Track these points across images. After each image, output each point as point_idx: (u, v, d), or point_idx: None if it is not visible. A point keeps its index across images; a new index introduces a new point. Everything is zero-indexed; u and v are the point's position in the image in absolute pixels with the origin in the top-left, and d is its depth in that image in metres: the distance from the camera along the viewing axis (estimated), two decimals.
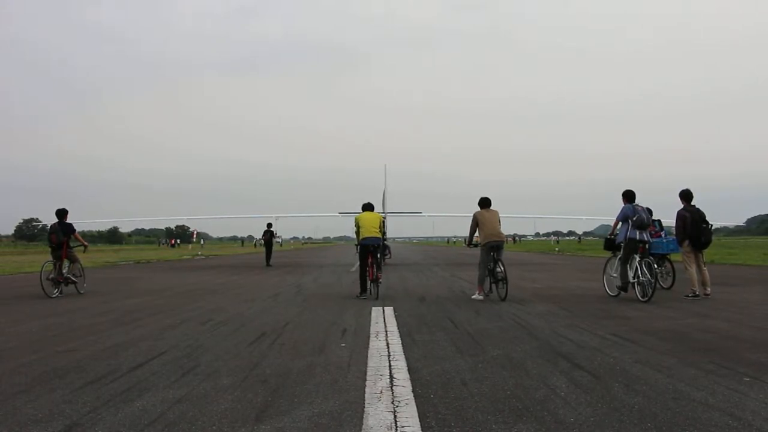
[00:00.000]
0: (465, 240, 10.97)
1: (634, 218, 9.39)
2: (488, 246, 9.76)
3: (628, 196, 9.70)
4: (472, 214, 10.14)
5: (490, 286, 9.81)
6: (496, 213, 10.06)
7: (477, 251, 10.10)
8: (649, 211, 9.95)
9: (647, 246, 9.48)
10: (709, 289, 9.69)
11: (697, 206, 9.95)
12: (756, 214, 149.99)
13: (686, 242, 9.81)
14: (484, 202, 10.15)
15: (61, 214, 11.50)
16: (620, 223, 9.66)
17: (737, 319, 7.19)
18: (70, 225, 11.55)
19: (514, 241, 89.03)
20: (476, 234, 10.08)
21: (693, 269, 9.60)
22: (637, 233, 9.36)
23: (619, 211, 9.68)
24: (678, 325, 6.74)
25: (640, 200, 9.76)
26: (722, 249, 34.15)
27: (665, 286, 11.01)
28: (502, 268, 9.57)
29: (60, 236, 11.20)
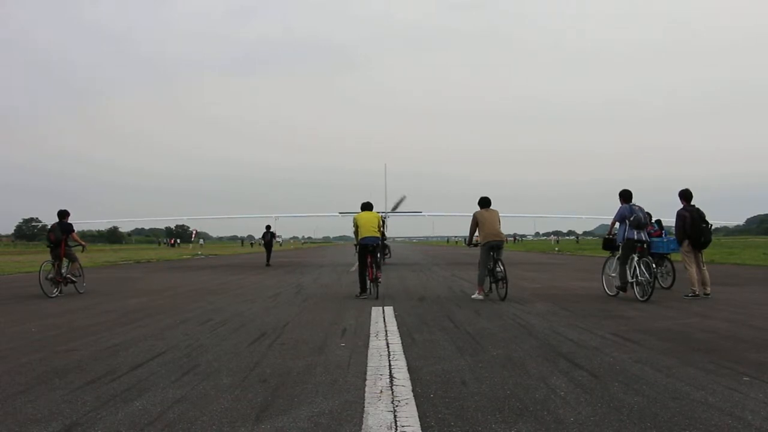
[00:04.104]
0: (465, 240, 10.96)
1: (631, 218, 9.38)
2: (488, 246, 9.75)
3: (625, 196, 9.69)
4: (472, 214, 10.14)
5: (490, 286, 9.81)
6: (496, 213, 10.05)
7: (477, 251, 10.10)
8: (648, 216, 9.92)
9: (646, 246, 9.48)
10: (708, 288, 9.69)
11: (696, 206, 9.95)
12: (756, 214, 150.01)
13: (686, 242, 9.81)
14: (484, 202, 10.15)
15: (62, 214, 11.63)
16: (617, 223, 9.66)
17: (737, 319, 7.19)
18: (69, 224, 11.63)
19: (515, 240, 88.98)
20: (476, 234, 10.08)
21: (693, 269, 9.60)
22: (635, 233, 9.36)
23: (617, 211, 9.68)
24: (678, 325, 6.74)
25: (638, 200, 9.77)
26: (722, 249, 34.17)
27: (665, 286, 11.02)
28: (502, 267, 9.57)
29: (58, 234, 11.26)
